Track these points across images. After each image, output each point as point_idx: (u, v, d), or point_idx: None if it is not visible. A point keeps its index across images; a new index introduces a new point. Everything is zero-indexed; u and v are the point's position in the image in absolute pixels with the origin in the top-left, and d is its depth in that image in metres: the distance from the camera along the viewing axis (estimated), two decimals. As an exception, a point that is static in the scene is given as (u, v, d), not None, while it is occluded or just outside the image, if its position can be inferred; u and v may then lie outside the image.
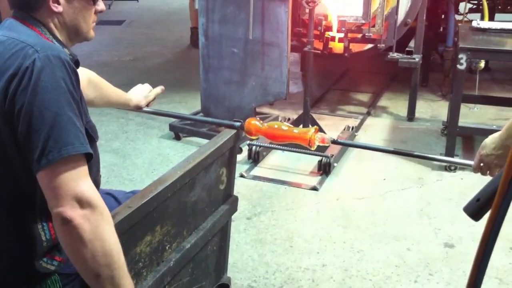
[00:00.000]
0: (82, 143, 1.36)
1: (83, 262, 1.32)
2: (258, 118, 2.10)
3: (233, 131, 2.07)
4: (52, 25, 1.54)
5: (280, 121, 4.42)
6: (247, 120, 2.08)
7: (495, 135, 1.69)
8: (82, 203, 1.31)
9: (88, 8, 1.59)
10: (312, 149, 2.06)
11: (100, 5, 1.65)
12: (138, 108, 2.29)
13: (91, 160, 1.41)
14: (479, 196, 1.19)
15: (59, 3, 1.53)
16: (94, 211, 1.32)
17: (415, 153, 2.22)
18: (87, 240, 1.30)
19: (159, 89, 2.35)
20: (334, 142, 2.09)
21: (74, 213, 1.29)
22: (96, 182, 1.67)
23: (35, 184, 1.35)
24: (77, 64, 1.57)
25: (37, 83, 1.34)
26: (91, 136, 1.54)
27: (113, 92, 2.19)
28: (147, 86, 2.32)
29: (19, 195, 1.43)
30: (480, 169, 1.75)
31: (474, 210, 1.21)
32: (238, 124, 2.08)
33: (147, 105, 2.32)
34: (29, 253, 1.45)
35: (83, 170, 1.35)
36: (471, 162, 1.79)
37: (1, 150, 1.38)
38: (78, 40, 1.64)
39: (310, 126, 3.96)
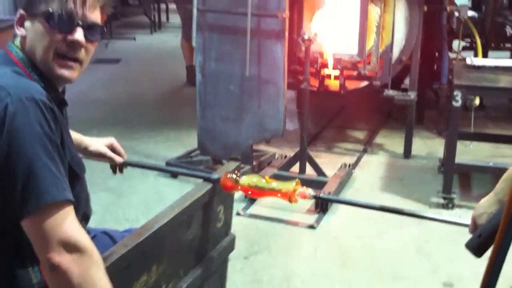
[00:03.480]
0: (59, 190, 1.31)
1: None
2: (236, 171, 1.99)
3: (209, 185, 1.97)
4: (27, 54, 1.47)
5: (277, 158, 4.41)
6: (223, 174, 1.97)
7: (490, 194, 1.61)
8: (69, 247, 1.28)
9: (45, 31, 1.44)
10: (294, 204, 1.96)
11: (75, 35, 1.45)
12: (89, 151, 2.08)
13: (75, 201, 1.37)
14: (481, 232, 1.18)
15: (22, 25, 1.46)
16: (82, 254, 1.29)
17: (405, 211, 2.15)
18: (76, 284, 1.27)
19: (117, 158, 2.12)
20: (316, 197, 2.00)
21: (61, 258, 1.27)
22: (86, 216, 1.64)
23: (20, 228, 1.32)
24: (62, 103, 1.51)
25: (10, 130, 1.29)
26: (76, 172, 1.50)
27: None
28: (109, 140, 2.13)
29: (5, 239, 1.39)
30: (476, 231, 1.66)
31: (476, 246, 1.20)
32: (215, 177, 1.98)
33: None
34: None
35: (67, 214, 1.31)
36: (468, 222, 1.70)
37: None
38: (48, 75, 1.48)
39: (307, 164, 3.97)
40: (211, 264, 2.02)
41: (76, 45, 1.47)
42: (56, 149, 1.35)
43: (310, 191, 1.92)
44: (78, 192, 1.54)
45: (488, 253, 1.10)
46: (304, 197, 1.91)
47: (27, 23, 1.47)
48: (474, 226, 1.64)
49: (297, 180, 1.92)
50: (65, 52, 1.47)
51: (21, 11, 1.48)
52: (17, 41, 1.51)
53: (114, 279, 1.38)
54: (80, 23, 1.47)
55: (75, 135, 2.07)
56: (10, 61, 1.46)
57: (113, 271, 1.43)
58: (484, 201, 1.61)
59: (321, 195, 2.20)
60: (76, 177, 1.51)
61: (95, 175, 4.16)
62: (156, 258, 1.67)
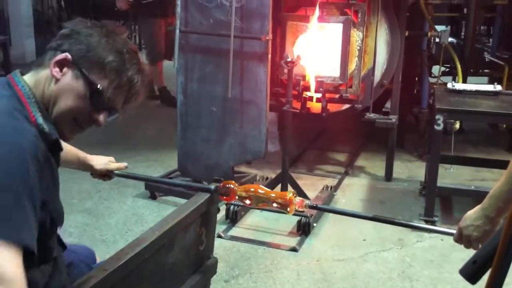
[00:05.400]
0: (15, 230, 1.23)
1: None
2: (233, 182, 2.03)
3: (206, 195, 1.99)
4: (35, 89, 1.43)
5: (258, 180, 4.37)
6: (221, 183, 2.00)
7: (477, 207, 1.65)
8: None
9: (81, 96, 1.44)
10: (290, 214, 1.99)
11: (101, 117, 1.51)
12: (95, 170, 2.17)
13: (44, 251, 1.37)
14: (476, 258, 1.15)
15: (61, 68, 1.43)
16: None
17: (397, 221, 2.25)
18: None
19: (122, 165, 2.22)
20: (312, 207, 2.04)
21: None
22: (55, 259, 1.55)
23: None
24: (56, 144, 1.46)
25: None
26: (54, 223, 1.45)
27: (69, 150, 2.06)
28: (110, 158, 2.24)
29: None
30: (461, 240, 1.70)
31: (471, 272, 1.16)
32: (213, 187, 2.00)
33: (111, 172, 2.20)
34: None
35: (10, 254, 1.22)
36: (454, 231, 1.75)
37: None
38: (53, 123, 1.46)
39: (288, 185, 3.93)
40: (192, 288, 1.95)
41: (95, 124, 1.53)
42: (29, 197, 1.27)
43: (306, 201, 1.96)
44: (52, 242, 1.49)
45: (483, 280, 1.06)
46: (300, 206, 1.94)
47: (68, 72, 1.44)
48: (459, 235, 1.68)
49: (293, 190, 1.95)
50: (81, 122, 1.51)
51: (68, 57, 1.43)
52: (23, 76, 1.47)
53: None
54: (110, 109, 1.52)
55: (80, 153, 2.14)
56: (12, 92, 1.41)
57: (91, 296, 1.37)
58: (471, 213, 1.65)
59: (318, 205, 2.21)
60: (53, 228, 1.46)
61: (72, 196, 4.08)
62: (136, 283, 1.61)
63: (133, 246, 1.61)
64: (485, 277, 1.18)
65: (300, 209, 1.98)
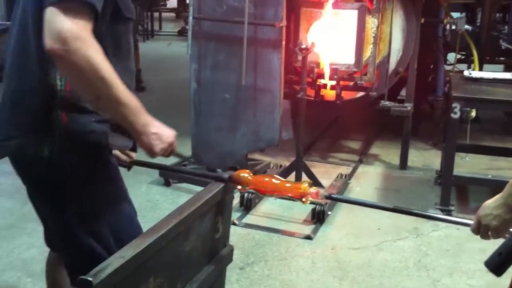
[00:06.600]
0: None
1: (83, 89, 1.52)
2: (248, 171, 1.99)
3: (221, 184, 1.97)
4: None
5: (272, 167, 4.35)
6: (236, 172, 1.97)
7: (497, 196, 1.58)
8: (68, 37, 1.37)
9: None
10: (306, 204, 1.96)
11: None
12: None
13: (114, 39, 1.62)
14: (501, 250, 1.12)
15: None
16: (82, 43, 1.39)
17: (415, 211, 2.14)
18: (80, 70, 1.41)
19: (132, 154, 2.20)
20: (328, 197, 1.99)
21: (61, 47, 1.37)
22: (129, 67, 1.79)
23: None
24: None
25: None
26: (121, 11, 1.60)
27: None
28: None
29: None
30: (478, 231, 1.61)
31: (496, 264, 1.14)
32: (227, 176, 1.98)
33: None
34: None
35: (82, 15, 1.41)
36: (471, 222, 1.66)
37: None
38: None
39: (303, 173, 3.91)
40: (208, 276, 1.95)
41: None
42: None
43: (322, 191, 1.91)
44: (120, 33, 1.68)
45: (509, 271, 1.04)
46: (316, 196, 1.90)
47: None
48: (478, 225, 1.60)
49: (309, 180, 1.92)
50: None
51: None
52: None
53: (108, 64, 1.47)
54: None
55: None
56: None
57: (109, 283, 1.36)
58: (491, 202, 1.58)
59: (333, 195, 2.15)
60: (119, 16, 1.62)
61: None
62: (153, 270, 1.60)
63: (150, 233, 1.60)
64: (510, 269, 1.17)
65: (316, 200, 1.95)
